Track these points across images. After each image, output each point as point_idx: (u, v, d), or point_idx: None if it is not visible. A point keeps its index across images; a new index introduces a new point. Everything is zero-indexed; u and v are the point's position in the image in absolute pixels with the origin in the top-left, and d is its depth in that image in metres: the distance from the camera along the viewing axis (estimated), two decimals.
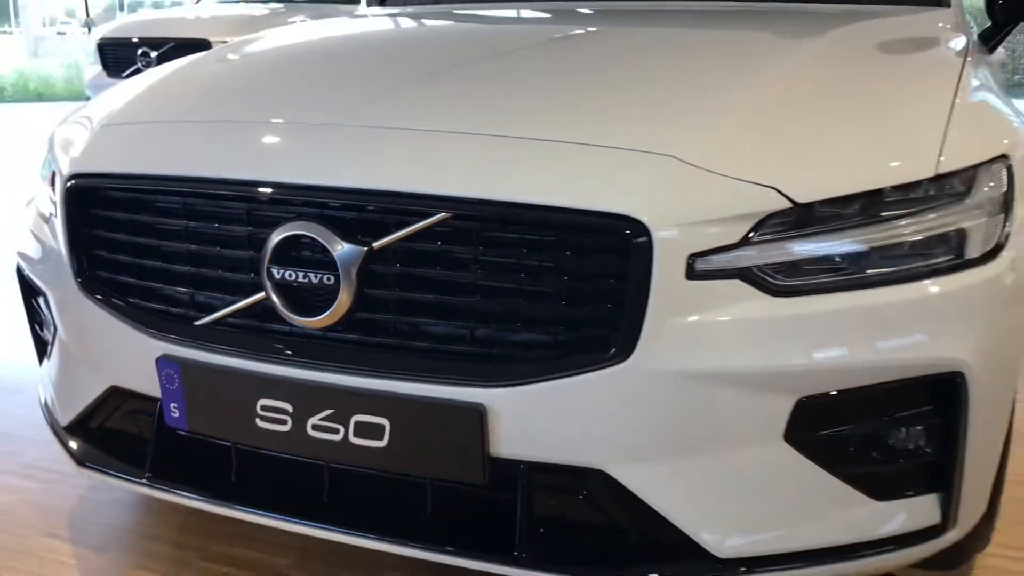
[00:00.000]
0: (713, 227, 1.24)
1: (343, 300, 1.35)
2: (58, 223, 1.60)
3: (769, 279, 1.26)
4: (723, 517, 1.32)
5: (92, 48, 6.66)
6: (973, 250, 1.36)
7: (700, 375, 1.26)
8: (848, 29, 2.00)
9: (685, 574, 1.32)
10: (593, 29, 2.09)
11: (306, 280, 1.36)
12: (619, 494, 1.32)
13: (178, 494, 1.56)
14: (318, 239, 1.34)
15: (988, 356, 1.34)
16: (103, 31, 6.62)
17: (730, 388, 1.27)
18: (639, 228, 1.23)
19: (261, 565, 1.79)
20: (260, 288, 1.40)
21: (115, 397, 1.63)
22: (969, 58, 1.85)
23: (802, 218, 1.27)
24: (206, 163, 1.45)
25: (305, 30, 2.31)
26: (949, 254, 1.34)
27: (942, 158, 1.35)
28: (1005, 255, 1.38)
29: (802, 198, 1.26)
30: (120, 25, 6.65)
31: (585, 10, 2.42)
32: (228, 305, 1.44)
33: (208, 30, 6.19)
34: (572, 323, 1.29)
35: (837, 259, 1.29)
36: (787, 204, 1.26)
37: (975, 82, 1.71)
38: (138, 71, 6.18)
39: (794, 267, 1.27)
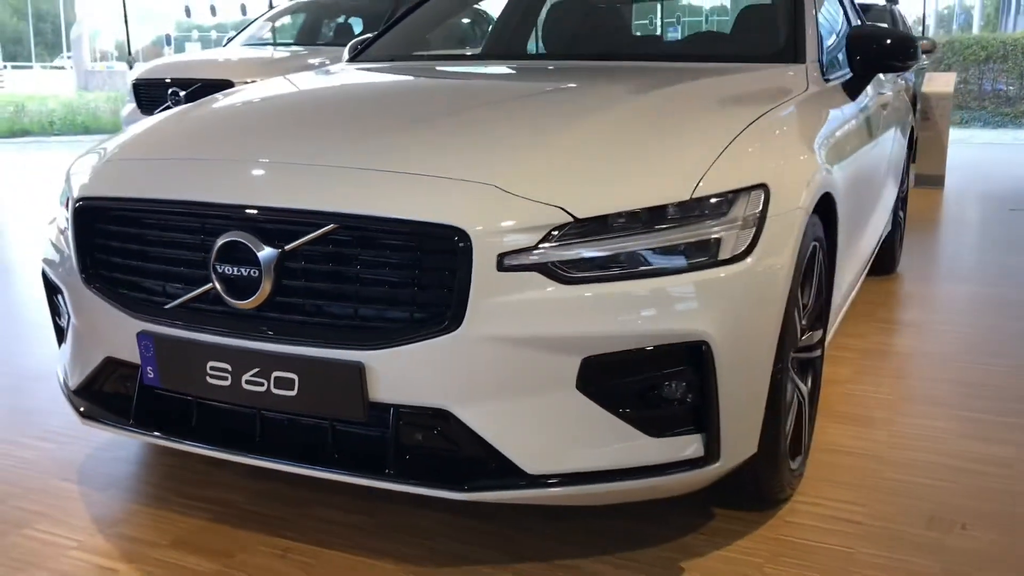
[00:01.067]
0: (517, 235, 1.75)
1: (265, 288, 1.87)
2: (69, 234, 2.15)
3: (559, 271, 1.76)
4: (533, 445, 1.82)
5: (128, 87, 7.33)
6: (724, 253, 1.85)
7: (510, 340, 1.76)
8: (696, 82, 2.52)
9: (504, 486, 1.82)
10: (492, 83, 2.63)
11: (240, 273, 1.89)
12: (460, 428, 1.82)
13: (152, 436, 2.08)
14: (247, 243, 1.86)
15: (730, 330, 1.83)
16: (138, 72, 7.28)
17: (532, 349, 1.77)
18: (464, 235, 1.74)
19: (221, 500, 2.31)
20: (208, 280, 1.93)
21: (109, 365, 2.16)
22: (784, 103, 2.35)
23: (583, 228, 1.78)
24: (172, 189, 2.00)
25: (273, 85, 2.87)
26: (703, 255, 1.83)
27: (700, 185, 1.85)
28: (749, 260, 1.87)
29: (581, 214, 1.77)
30: (153, 67, 7.30)
31: (503, 69, 2.97)
32: (187, 293, 1.97)
33: (231, 72, 6.81)
34: (422, 304, 1.80)
35: (611, 257, 1.79)
36: (570, 219, 1.77)
37: (777, 124, 2.21)
38: (168, 109, 6.82)
39: (577, 263, 1.77)
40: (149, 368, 2.04)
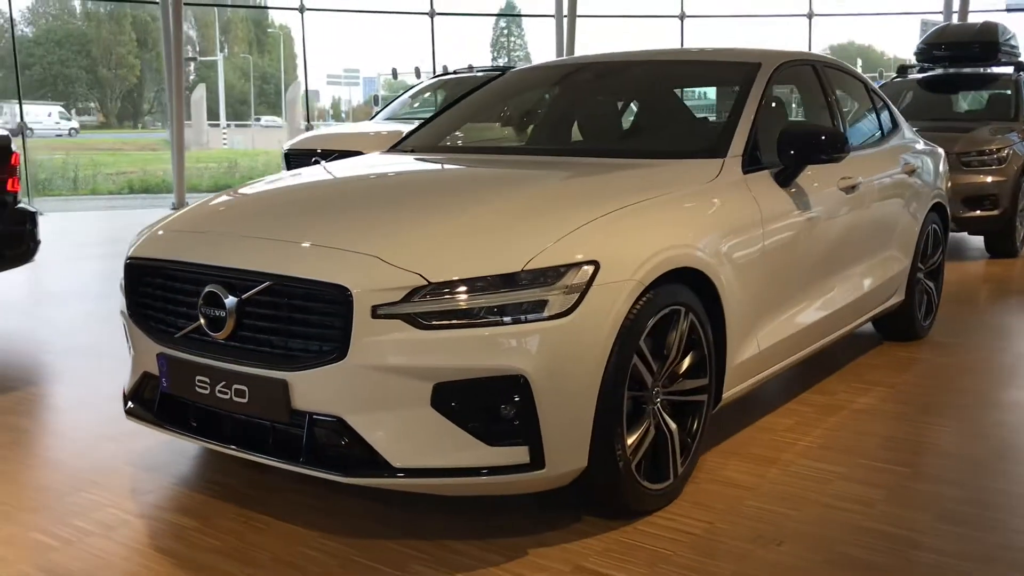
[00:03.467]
0: (387, 293, 2.45)
1: (229, 325, 2.65)
2: (123, 283, 3.03)
3: (417, 319, 2.45)
4: (398, 445, 2.49)
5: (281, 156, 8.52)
6: (550, 311, 2.48)
7: (381, 368, 2.45)
8: (603, 176, 3.16)
9: (376, 475, 2.49)
10: (437, 173, 3.42)
11: (215, 314, 2.68)
12: (350, 431, 2.52)
13: (165, 428, 2.90)
14: (219, 293, 2.66)
15: (548, 369, 2.45)
16: (290, 143, 8.46)
17: (397, 375, 2.45)
18: (348, 292, 2.46)
19: (225, 483, 3.10)
20: (198, 318, 2.73)
21: (146, 377, 3.00)
22: (667, 193, 2.96)
23: (435, 289, 2.46)
24: (181, 253, 2.84)
25: (295, 174, 3.71)
26: (530, 312, 2.47)
27: (532, 260, 2.50)
28: (570, 317, 2.49)
29: (434, 279, 2.45)
30: (303, 139, 8.47)
31: (472, 159, 3.71)
32: (187, 326, 2.78)
33: (362, 144, 7.83)
34: (324, 339, 2.52)
35: (456, 310, 2.45)
36: (425, 282, 2.45)
37: (640, 211, 2.82)
38: None
39: (430, 314, 2.45)
40: (164, 380, 2.87)
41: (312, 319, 2.55)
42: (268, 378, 2.59)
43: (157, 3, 12.96)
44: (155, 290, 2.91)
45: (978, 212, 8.03)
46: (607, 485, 2.70)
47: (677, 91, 4.15)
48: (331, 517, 2.85)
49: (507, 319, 2.46)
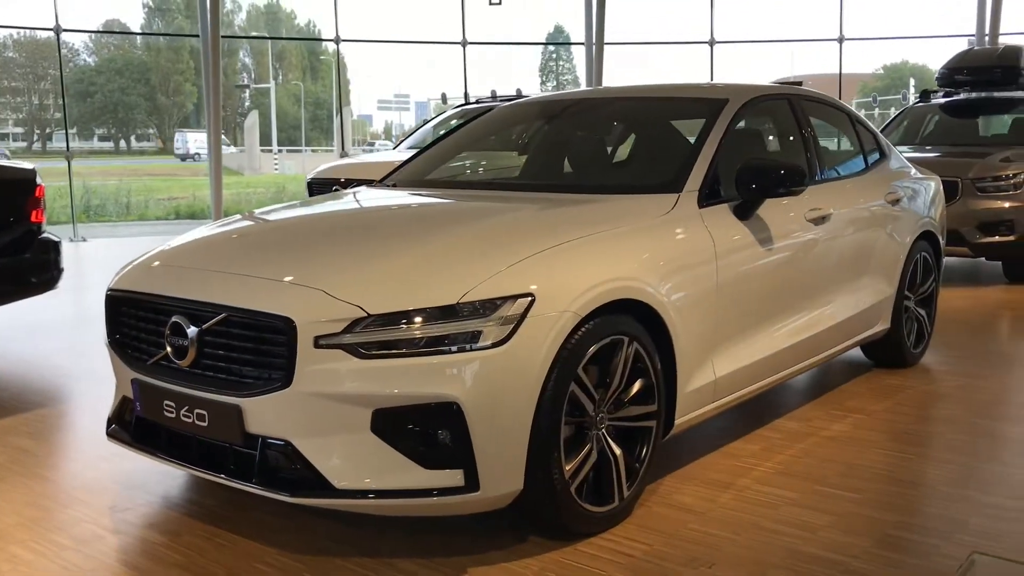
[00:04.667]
0: (329, 324, 2.62)
1: (191, 354, 2.84)
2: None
3: (357, 349, 2.61)
4: (341, 468, 2.64)
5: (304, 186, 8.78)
6: (484, 341, 2.63)
7: (323, 395, 2.62)
8: (557, 210, 3.31)
9: (320, 495, 2.65)
10: (399, 210, 3.60)
11: (180, 343, 2.87)
12: (296, 454, 2.68)
13: (140, 450, 3.09)
14: (182, 323, 2.85)
15: (480, 396, 2.60)
16: (313, 172, 8.72)
17: (338, 402, 2.61)
18: (293, 324, 2.63)
19: (201, 502, 3.28)
20: (165, 347, 2.92)
21: (125, 401, 3.21)
22: (615, 228, 3.09)
23: (374, 320, 2.61)
24: (152, 286, 3.04)
25: (272, 210, 3.91)
26: (464, 342, 2.61)
27: (468, 293, 2.65)
28: (504, 347, 2.63)
29: (374, 311, 2.61)
30: (326, 168, 8.73)
31: (441, 195, 3.88)
32: (156, 355, 2.98)
33: (378, 173, 8.06)
34: (272, 367, 2.69)
35: (393, 341, 2.61)
36: (365, 314, 2.61)
37: (583, 244, 2.96)
38: None
39: (369, 344, 2.61)
40: (138, 404, 3.07)
41: (263, 348, 2.72)
42: (224, 403, 2.77)
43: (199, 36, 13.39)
44: (130, 320, 3.12)
45: (996, 238, 7.99)
46: (544, 508, 2.82)
47: (644, 127, 4.29)
48: (293, 535, 3.01)
49: (443, 349, 2.61)
